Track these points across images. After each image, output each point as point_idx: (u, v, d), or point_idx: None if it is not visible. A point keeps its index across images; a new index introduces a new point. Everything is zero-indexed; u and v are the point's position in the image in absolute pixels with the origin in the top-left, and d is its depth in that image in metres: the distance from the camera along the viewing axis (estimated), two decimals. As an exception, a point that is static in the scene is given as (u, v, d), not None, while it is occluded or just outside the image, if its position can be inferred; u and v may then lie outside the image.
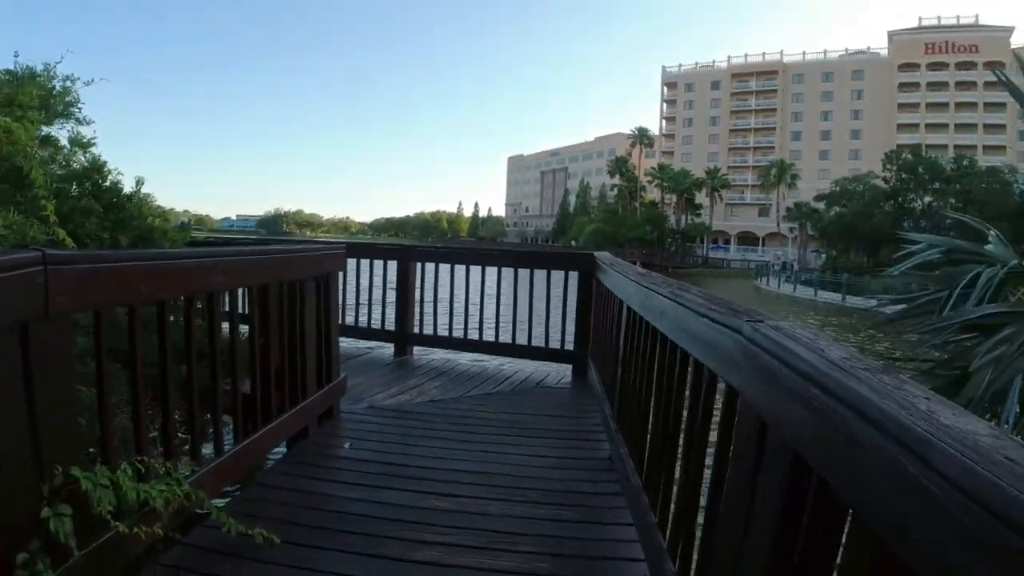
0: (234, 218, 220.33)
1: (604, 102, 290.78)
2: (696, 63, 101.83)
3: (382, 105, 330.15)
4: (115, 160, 3.96)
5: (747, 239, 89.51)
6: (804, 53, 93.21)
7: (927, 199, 56.70)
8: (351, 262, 6.61)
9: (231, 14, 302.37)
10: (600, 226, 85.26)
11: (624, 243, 76.61)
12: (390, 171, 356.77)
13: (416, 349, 6.72)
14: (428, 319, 6.48)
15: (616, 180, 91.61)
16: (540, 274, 5.94)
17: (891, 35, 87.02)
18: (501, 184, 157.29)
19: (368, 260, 6.66)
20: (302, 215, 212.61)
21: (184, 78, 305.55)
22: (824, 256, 62.95)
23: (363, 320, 6.73)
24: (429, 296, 6.58)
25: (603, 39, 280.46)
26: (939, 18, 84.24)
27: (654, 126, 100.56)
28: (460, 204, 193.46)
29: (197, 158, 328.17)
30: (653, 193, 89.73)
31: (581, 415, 4.81)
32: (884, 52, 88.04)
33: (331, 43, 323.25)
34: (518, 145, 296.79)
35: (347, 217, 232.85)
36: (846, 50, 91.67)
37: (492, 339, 6.38)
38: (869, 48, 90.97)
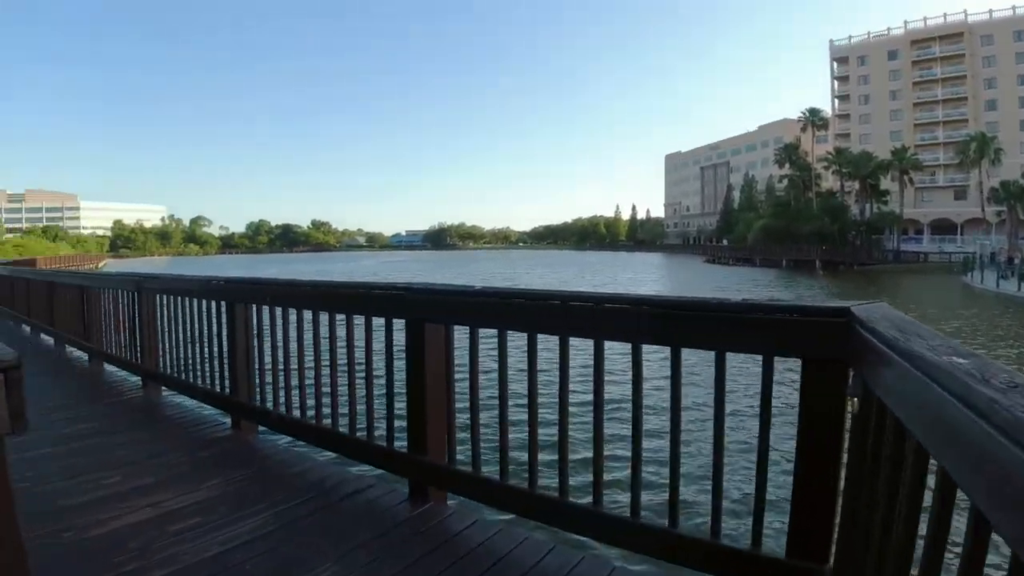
0: (403, 234, 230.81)
1: (764, 89, 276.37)
2: (868, 33, 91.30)
3: (539, 115, 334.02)
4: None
5: (942, 228, 78.22)
6: (991, 11, 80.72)
7: None
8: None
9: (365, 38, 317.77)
10: (770, 221, 77.92)
11: (799, 239, 69.38)
12: (548, 180, 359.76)
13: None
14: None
15: (785, 170, 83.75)
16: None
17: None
18: (659, 184, 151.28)
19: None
20: (463, 228, 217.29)
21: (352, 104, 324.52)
22: (1045, 243, 53.57)
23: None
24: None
25: (758, 20, 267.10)
26: None
27: (824, 108, 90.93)
28: (617, 207, 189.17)
29: (373, 180, 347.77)
30: (829, 181, 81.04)
31: None
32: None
33: (490, 59, 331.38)
34: (675, 142, 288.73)
35: (507, 227, 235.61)
36: (1042, 1, 78.42)
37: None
38: (1072, -4, 77.39)
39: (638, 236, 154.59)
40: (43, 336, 10.50)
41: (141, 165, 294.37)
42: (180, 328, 5.76)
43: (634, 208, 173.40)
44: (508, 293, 2.94)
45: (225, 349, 5.00)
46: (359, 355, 3.77)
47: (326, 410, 4.06)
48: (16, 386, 1.40)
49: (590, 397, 2.66)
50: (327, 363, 3.99)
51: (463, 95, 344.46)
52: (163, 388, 6.30)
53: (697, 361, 2.32)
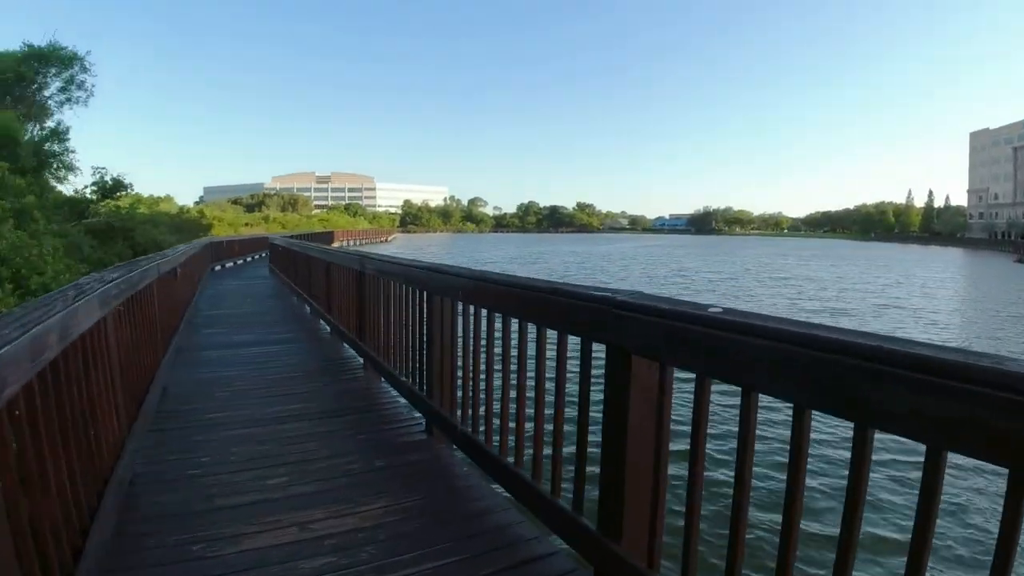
0: (667, 217, 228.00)
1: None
2: None
3: (817, 90, 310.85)
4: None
5: None
6: None
7: None
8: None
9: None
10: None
11: None
12: (827, 161, 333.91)
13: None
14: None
15: None
16: None
17: None
18: (961, 167, 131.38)
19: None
20: (730, 212, 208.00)
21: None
22: None
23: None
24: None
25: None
26: None
27: None
28: (909, 193, 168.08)
29: (639, 163, 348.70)
30: None
31: None
32: None
33: (761, 37, 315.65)
34: (983, 117, 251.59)
35: (779, 213, 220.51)
36: None
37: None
38: None
39: (933, 227, 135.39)
40: (306, 307, 11.05)
41: (428, 151, 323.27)
42: (392, 313, 5.35)
43: (930, 194, 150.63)
44: (761, 328, 1.67)
45: (424, 343, 4.45)
46: (552, 379, 2.88)
47: (512, 440, 3.24)
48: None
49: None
50: (516, 383, 3.18)
51: (729, 76, 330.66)
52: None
53: None
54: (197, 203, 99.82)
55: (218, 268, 22.50)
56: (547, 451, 2.87)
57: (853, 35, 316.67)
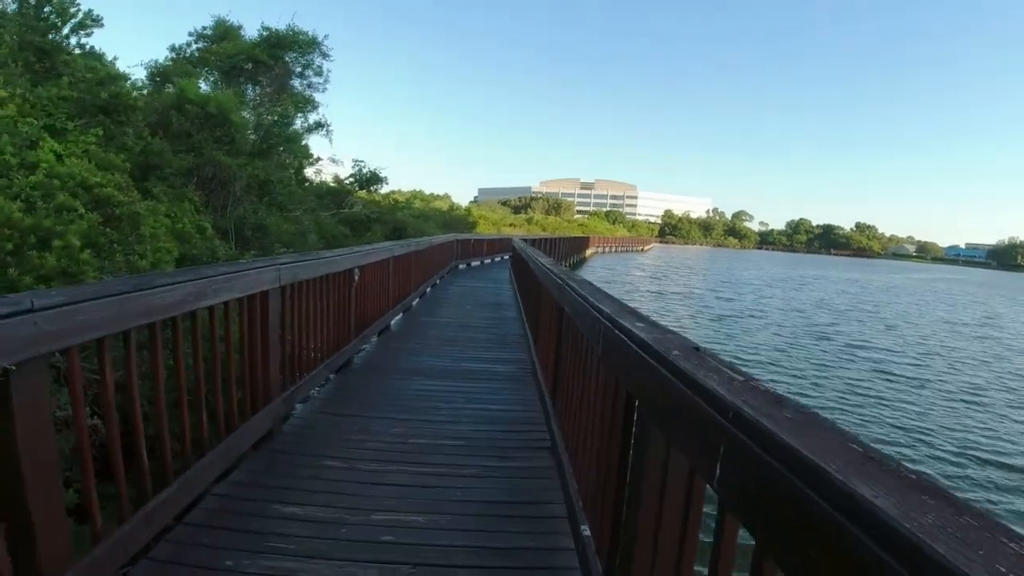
0: (962, 247, 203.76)
1: None
2: None
3: None
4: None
5: None
6: None
7: None
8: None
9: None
10: None
11: None
12: None
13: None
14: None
15: None
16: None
17: None
18: None
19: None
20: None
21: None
22: None
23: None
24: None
25: None
26: None
27: None
28: None
29: (929, 184, 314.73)
30: None
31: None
32: None
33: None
34: None
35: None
36: None
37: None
38: None
39: None
40: (525, 328, 9.08)
41: (691, 162, 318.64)
42: (585, 391, 3.02)
43: None
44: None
45: (624, 485, 2.05)
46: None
47: None
48: None
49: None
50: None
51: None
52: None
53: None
54: (471, 203, 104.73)
55: (463, 266, 21.79)
56: None
57: None
